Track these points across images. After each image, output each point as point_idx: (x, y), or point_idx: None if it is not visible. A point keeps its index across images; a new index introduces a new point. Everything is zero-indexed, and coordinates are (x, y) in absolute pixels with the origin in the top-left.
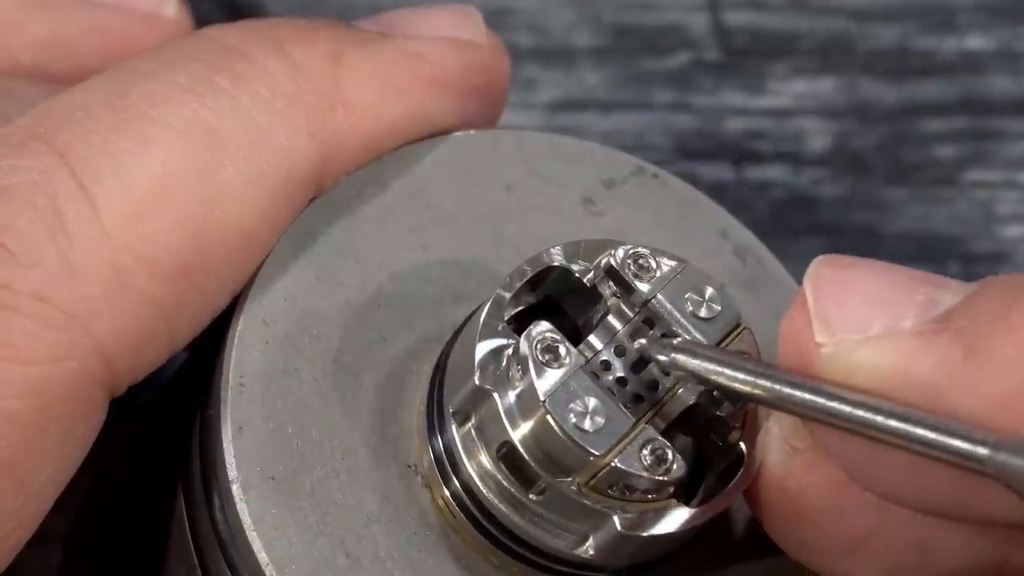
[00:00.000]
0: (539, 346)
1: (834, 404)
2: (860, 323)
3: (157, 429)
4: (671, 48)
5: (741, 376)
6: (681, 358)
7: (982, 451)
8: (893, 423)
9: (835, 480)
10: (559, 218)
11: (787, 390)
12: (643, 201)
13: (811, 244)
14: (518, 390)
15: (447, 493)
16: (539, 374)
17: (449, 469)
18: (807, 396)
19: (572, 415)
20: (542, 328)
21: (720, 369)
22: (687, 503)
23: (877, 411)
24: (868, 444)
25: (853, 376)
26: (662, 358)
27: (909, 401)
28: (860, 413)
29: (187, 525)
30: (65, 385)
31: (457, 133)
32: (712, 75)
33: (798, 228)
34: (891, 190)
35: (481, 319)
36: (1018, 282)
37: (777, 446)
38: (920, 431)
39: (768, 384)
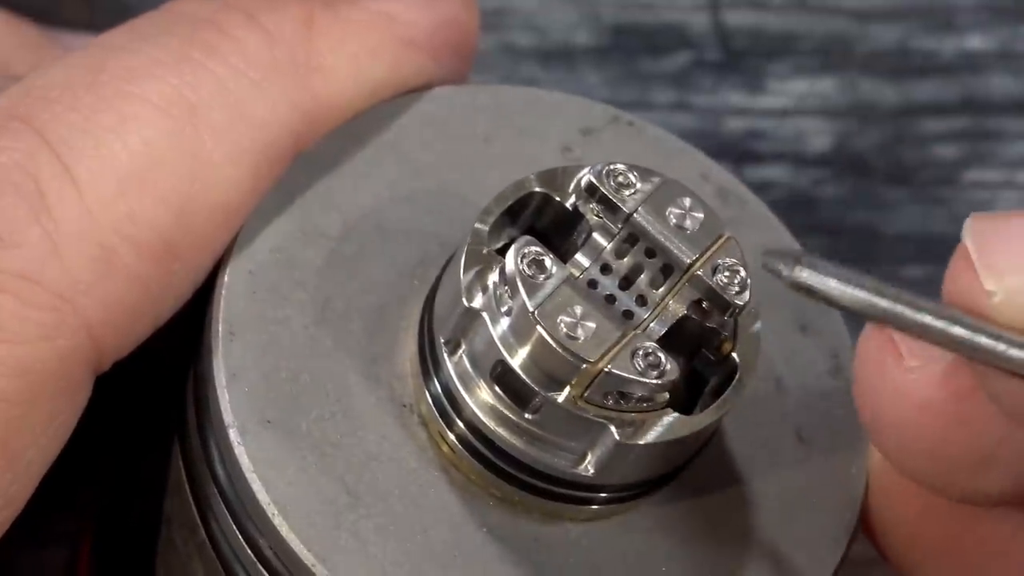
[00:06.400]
0: (524, 260)
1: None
2: None
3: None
4: (671, 48)
5: (869, 297)
6: (820, 281)
7: None
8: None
9: (960, 389)
10: (539, 166)
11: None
12: (621, 147)
13: (811, 244)
14: (506, 307)
15: (444, 427)
16: (527, 288)
17: (445, 402)
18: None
19: (563, 325)
20: (526, 241)
21: (858, 294)
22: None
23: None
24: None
25: None
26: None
27: None
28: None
29: (187, 486)
30: (53, 363)
31: (434, 89)
32: (712, 75)
33: (798, 228)
34: (891, 190)
35: (464, 248)
36: None
37: (894, 373)
38: None
39: (901, 310)
